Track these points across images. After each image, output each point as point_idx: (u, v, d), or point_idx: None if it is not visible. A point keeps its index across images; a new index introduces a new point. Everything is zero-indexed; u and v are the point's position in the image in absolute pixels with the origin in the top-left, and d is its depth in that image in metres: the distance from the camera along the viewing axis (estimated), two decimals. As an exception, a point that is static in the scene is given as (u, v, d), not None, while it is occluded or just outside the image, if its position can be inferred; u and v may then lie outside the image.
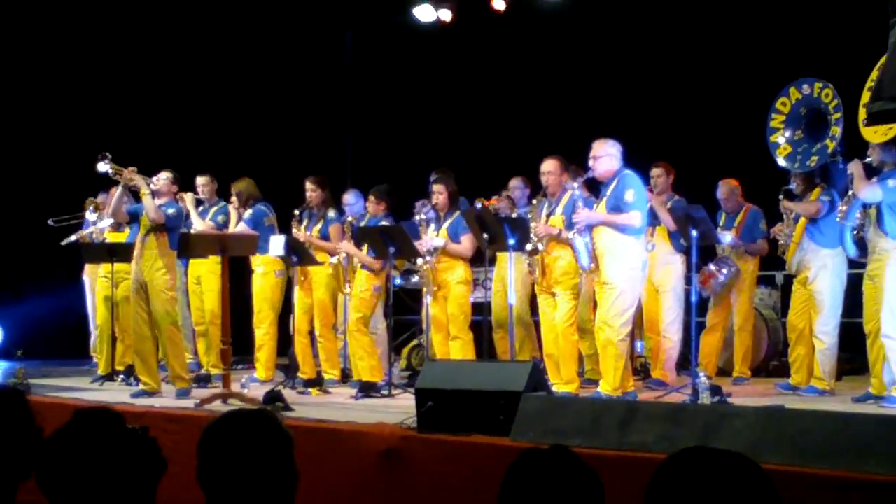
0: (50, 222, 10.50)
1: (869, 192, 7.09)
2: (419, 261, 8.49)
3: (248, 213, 9.28)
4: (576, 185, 7.60)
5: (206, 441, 2.53)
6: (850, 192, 7.35)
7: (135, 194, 8.48)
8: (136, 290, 8.17)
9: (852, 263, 7.83)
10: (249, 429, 2.54)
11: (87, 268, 10.37)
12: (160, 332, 8.12)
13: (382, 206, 9.08)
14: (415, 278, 9.82)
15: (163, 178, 8.38)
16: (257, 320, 9.53)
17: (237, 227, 9.23)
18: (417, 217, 8.89)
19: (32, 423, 2.78)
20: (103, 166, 8.10)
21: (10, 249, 12.25)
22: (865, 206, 7.25)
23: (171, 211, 8.22)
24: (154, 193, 8.21)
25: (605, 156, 7.33)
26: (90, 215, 10.29)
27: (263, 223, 9.22)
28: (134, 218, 8.45)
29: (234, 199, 9.42)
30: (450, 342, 8.40)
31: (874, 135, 7.10)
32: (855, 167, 7.16)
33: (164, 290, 8.08)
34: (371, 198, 9.17)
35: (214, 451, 2.51)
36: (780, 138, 7.81)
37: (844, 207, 7.39)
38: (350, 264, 8.95)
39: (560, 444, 2.53)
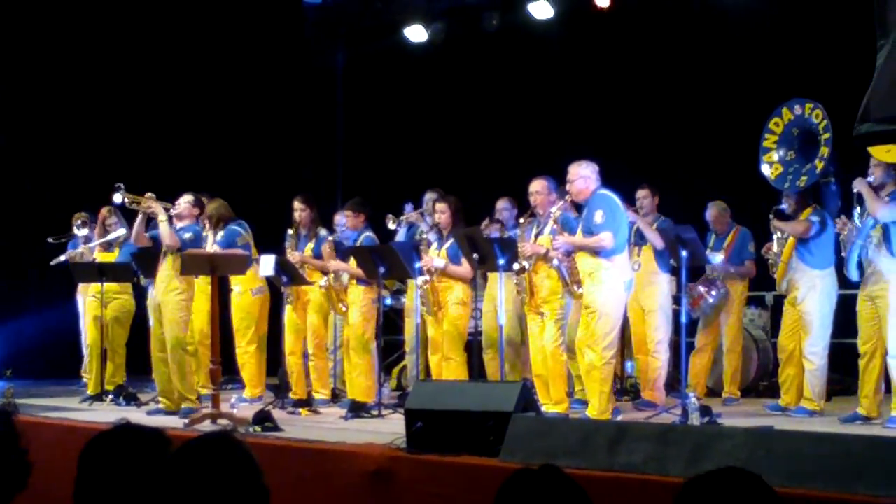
0: (50, 240, 10.49)
1: (887, 211, 7.01)
2: (419, 280, 8.41)
3: (220, 234, 9.10)
4: (554, 209, 7.62)
5: (168, 471, 2.45)
6: (858, 211, 7.25)
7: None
8: (153, 309, 8.34)
9: (843, 284, 7.80)
10: (210, 456, 2.45)
11: (80, 287, 10.32)
12: (168, 354, 8.18)
13: (361, 218, 9.08)
14: (404, 298, 9.79)
15: (183, 203, 8.43)
16: (237, 339, 9.52)
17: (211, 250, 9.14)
18: (418, 236, 8.89)
19: (17, 443, 2.74)
20: (119, 197, 8.20)
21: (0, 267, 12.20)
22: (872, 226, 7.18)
23: (187, 235, 8.24)
24: (174, 217, 8.30)
25: (579, 178, 7.38)
26: (78, 230, 10.25)
27: (237, 243, 9.00)
28: (156, 242, 8.43)
29: (205, 220, 9.24)
30: (443, 362, 8.38)
31: (886, 154, 7.05)
32: (863, 186, 7.10)
33: (176, 312, 8.14)
34: (348, 212, 9.14)
35: (175, 480, 2.43)
36: (775, 156, 7.83)
37: (853, 226, 7.23)
38: (339, 282, 8.92)
39: (550, 464, 2.51)
